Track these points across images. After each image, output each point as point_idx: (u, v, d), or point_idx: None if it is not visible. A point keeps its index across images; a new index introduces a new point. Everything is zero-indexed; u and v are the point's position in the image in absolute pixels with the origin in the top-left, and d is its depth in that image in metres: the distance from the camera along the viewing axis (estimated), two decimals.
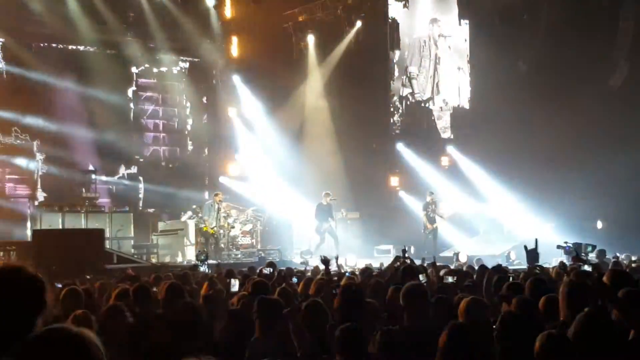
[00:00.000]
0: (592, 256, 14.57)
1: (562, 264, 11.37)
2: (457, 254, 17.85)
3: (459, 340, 4.40)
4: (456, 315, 5.48)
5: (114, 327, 5.88)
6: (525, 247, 12.33)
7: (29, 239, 18.33)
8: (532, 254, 12.57)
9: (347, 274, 10.50)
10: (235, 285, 8.28)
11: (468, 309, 5.27)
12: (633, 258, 16.10)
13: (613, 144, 21.82)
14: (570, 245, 15.22)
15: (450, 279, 8.84)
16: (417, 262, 11.08)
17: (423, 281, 9.07)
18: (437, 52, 26.91)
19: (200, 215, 20.56)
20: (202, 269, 14.29)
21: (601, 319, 4.39)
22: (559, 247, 15.43)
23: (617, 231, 21.55)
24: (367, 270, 11.13)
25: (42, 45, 23.18)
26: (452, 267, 11.74)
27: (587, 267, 9.26)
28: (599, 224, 22.80)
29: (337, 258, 11.69)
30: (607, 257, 15.68)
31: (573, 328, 4.35)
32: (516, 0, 23.96)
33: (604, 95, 23.17)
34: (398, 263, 9.96)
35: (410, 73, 26.62)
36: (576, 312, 5.08)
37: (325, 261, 9.13)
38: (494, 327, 5.02)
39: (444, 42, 26.94)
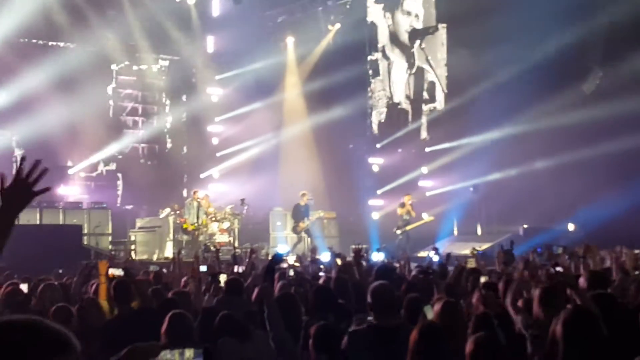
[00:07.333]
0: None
1: (526, 263, 11.59)
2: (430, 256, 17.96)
3: (430, 340, 4.39)
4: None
5: (91, 321, 6.02)
6: (502, 247, 12.59)
7: None
8: (508, 256, 12.85)
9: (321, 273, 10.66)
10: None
11: (443, 310, 5.29)
12: None
13: (586, 148, 22.08)
14: (541, 246, 15.51)
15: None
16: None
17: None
18: (413, 52, 27.14)
19: (178, 212, 20.66)
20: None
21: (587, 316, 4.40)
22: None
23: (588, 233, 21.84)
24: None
25: (21, 40, 23.10)
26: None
27: (558, 268, 9.44)
28: (571, 226, 23.10)
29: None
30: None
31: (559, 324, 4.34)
32: (490, 3, 24.02)
33: (577, 100, 23.43)
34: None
35: (386, 73, 26.88)
36: (551, 312, 5.22)
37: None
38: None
39: (419, 41, 27.14)
